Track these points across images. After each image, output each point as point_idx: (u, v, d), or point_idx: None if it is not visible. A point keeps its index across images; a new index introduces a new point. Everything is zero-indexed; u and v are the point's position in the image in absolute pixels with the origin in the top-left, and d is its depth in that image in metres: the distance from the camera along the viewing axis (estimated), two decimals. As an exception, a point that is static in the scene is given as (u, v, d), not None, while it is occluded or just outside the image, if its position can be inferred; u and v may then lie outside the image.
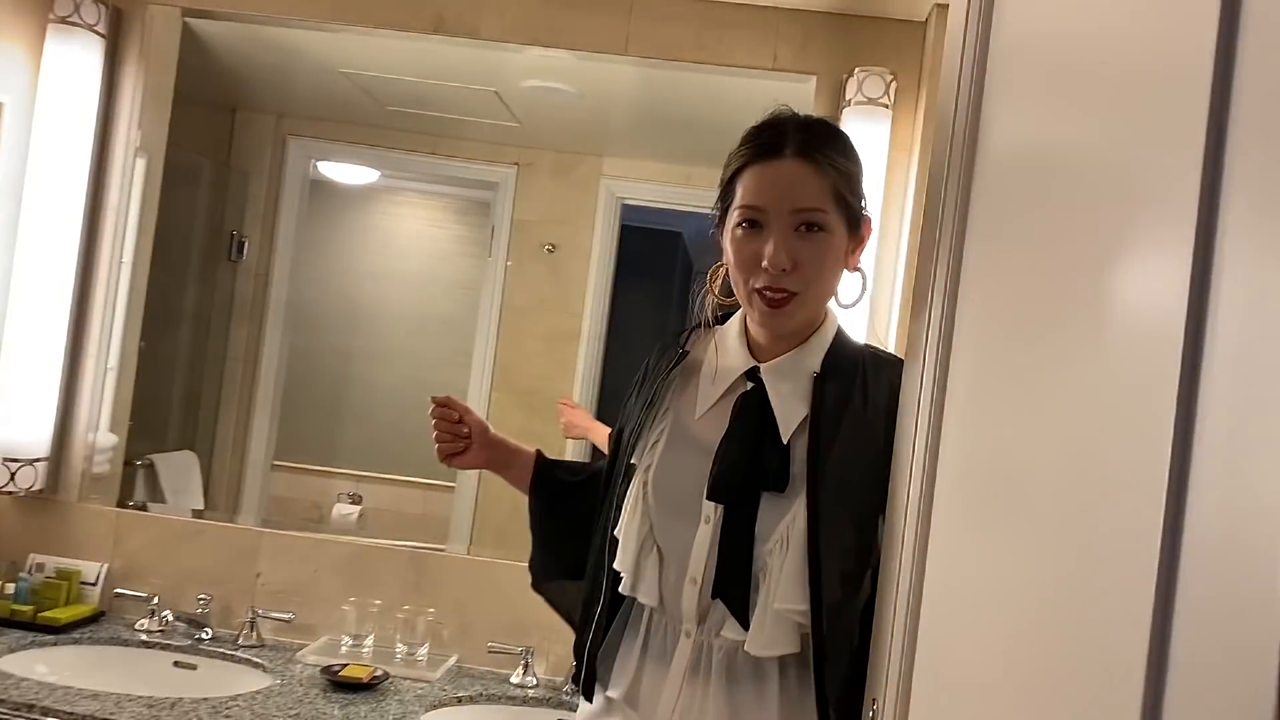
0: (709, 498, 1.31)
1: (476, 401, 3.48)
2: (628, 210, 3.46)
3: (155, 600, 2.42)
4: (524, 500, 1.59)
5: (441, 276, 3.84)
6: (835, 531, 1.25)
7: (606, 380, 3.45)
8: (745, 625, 1.27)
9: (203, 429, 3.44)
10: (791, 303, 1.29)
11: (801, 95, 2.26)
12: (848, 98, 2.21)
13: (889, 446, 1.24)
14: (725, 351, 1.40)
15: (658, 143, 3.23)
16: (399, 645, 2.41)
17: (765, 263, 1.27)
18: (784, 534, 1.28)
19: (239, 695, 2.07)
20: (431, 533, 3.39)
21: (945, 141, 1.04)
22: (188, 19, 2.67)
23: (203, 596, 2.43)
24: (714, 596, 1.29)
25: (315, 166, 3.46)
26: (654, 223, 4.13)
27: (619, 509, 1.39)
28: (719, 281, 1.45)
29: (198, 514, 3.05)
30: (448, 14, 2.44)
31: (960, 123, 0.99)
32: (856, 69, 2.19)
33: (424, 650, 2.41)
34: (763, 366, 1.36)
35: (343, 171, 3.59)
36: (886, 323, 2.20)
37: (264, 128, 3.40)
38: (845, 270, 1.35)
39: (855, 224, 1.34)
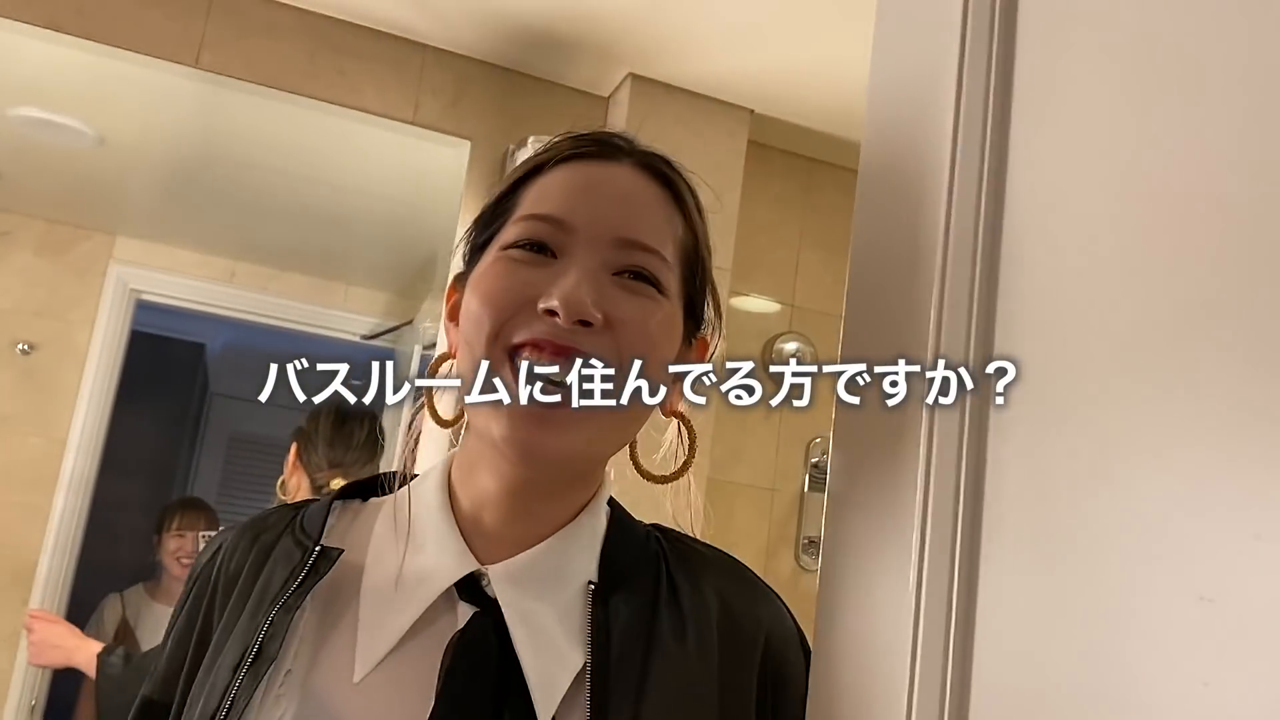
0: None
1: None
2: (140, 311, 2.69)
3: None
4: None
5: None
6: None
7: (89, 542, 2.57)
8: None
9: None
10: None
11: (450, 166, 1.73)
12: (516, 175, 1.71)
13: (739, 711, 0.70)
14: (410, 543, 0.75)
15: (198, 223, 2.52)
16: None
17: (551, 301, 0.68)
18: None
19: None
20: None
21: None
22: None
23: None
24: None
25: None
26: (171, 329, 3.33)
27: None
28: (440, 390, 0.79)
29: None
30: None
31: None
32: (531, 139, 1.71)
33: None
34: (492, 571, 0.73)
35: None
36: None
37: None
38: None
39: (693, 323, 0.78)
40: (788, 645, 0.76)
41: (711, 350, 0.81)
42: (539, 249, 0.71)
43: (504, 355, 0.69)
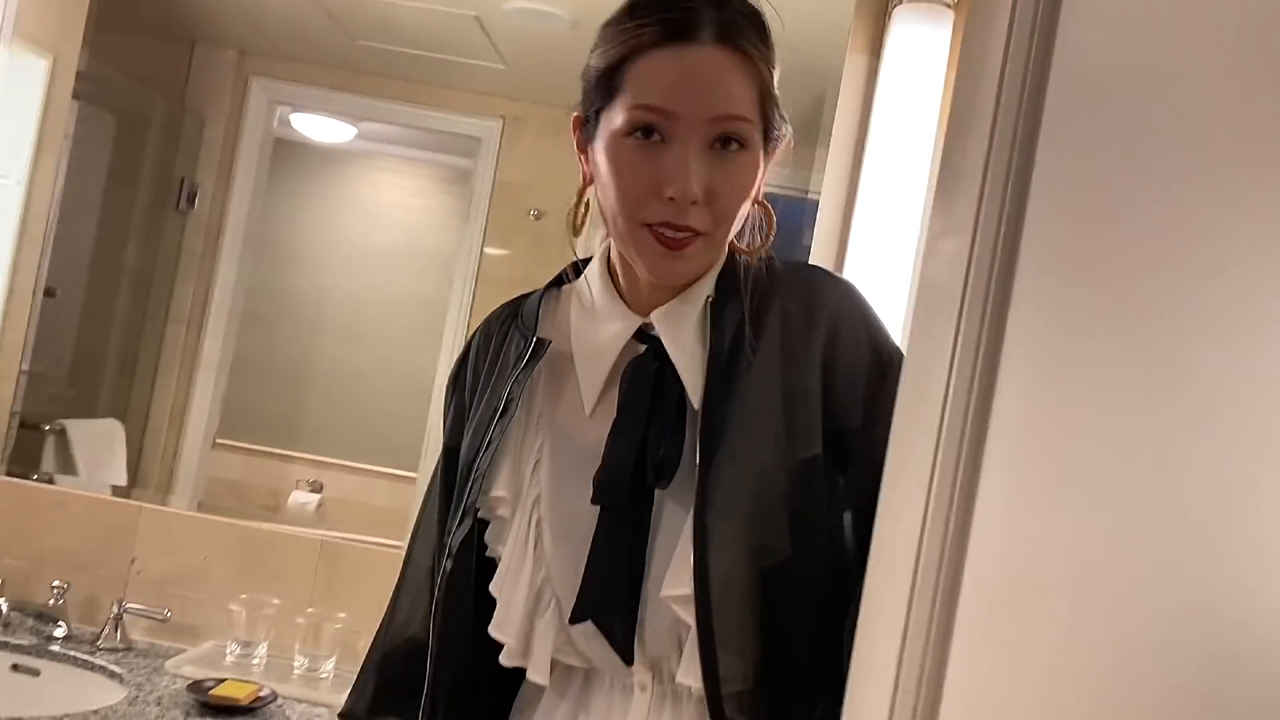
0: (593, 501, 1.01)
1: (441, 391, 3.10)
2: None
3: (-5, 586, 2.01)
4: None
5: (421, 251, 3.50)
6: (734, 477, 0.95)
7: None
8: (625, 658, 1.00)
9: (136, 396, 3.06)
10: (694, 244, 0.97)
11: (833, 6, 1.83)
12: (906, -10, 1.75)
13: (830, 365, 0.99)
14: (595, 317, 1.05)
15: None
16: (298, 658, 1.99)
17: (670, 191, 0.94)
18: (675, 531, 0.99)
19: (70, 715, 1.65)
20: (395, 527, 3.04)
21: (990, 55, 0.61)
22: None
23: (58, 584, 2.01)
24: (573, 621, 1.00)
25: (285, 120, 3.10)
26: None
27: (476, 559, 1.07)
28: (582, 213, 1.08)
29: (117, 490, 2.65)
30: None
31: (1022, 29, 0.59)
32: (921, -16, 1.76)
33: (329, 665, 1.98)
34: (653, 316, 1.03)
35: (315, 127, 3.22)
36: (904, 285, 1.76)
37: (224, 65, 3.03)
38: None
39: (769, 138, 1.02)
40: (842, 315, 1.01)
41: (785, 140, 1.04)
42: (649, 133, 0.95)
43: (640, 227, 0.96)
